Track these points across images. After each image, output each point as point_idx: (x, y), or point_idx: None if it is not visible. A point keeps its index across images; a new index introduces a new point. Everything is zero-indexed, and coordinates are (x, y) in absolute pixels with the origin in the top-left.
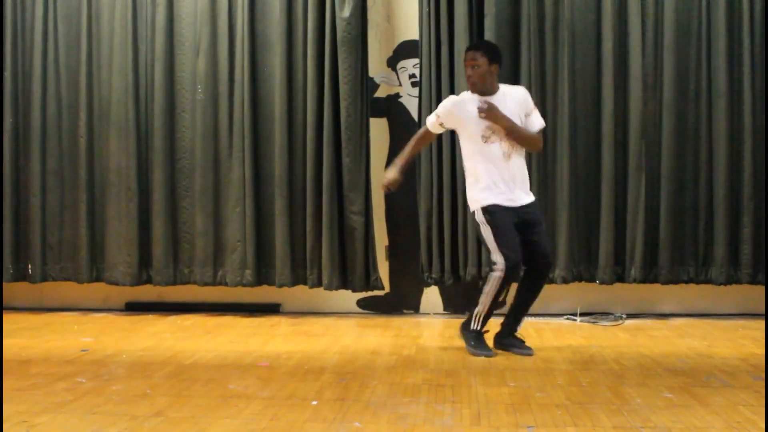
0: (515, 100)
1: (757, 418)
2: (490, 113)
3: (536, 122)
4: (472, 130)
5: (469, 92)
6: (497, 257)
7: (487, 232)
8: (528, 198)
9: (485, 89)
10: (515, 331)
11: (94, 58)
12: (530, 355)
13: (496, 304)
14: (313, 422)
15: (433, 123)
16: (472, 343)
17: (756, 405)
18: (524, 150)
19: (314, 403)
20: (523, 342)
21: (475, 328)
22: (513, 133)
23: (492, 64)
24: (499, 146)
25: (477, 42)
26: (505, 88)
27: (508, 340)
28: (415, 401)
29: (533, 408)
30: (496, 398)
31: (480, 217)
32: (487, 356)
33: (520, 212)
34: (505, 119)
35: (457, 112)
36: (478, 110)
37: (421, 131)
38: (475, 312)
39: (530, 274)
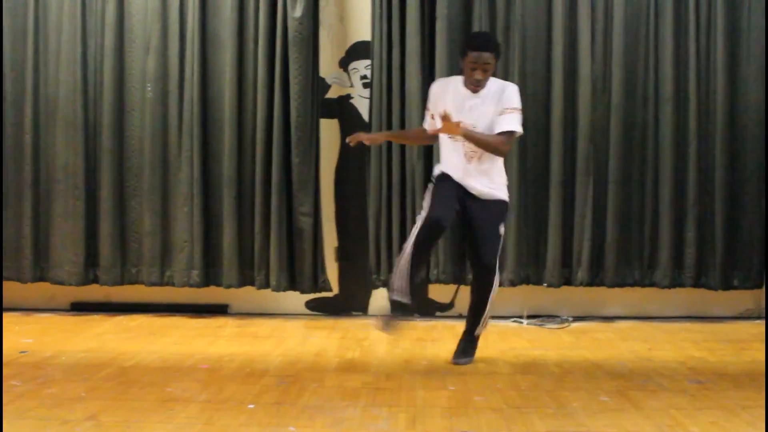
0: (495, 99)
1: (688, 422)
2: (446, 128)
3: (503, 124)
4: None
5: (459, 78)
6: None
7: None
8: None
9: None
10: (472, 332)
11: (41, 52)
12: (459, 364)
13: (414, 259)
14: (247, 426)
15: (428, 120)
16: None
17: (688, 408)
18: (489, 157)
19: (251, 406)
20: (471, 350)
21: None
22: (469, 140)
23: (497, 60)
24: (462, 146)
25: (483, 40)
26: (491, 84)
27: (464, 338)
28: (352, 405)
29: (469, 412)
30: (434, 402)
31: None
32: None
33: (471, 197)
34: (460, 130)
35: (437, 89)
36: (441, 117)
37: (416, 128)
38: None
39: (473, 275)
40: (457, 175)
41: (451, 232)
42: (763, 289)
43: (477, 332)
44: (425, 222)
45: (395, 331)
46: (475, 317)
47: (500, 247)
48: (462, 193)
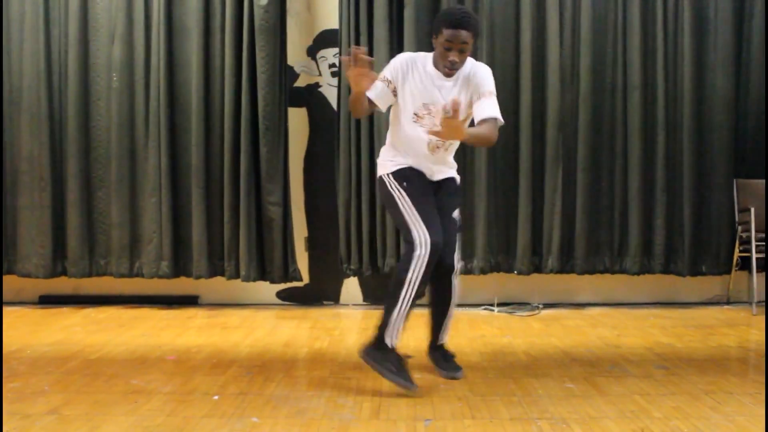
0: (466, 81)
1: (652, 407)
2: (448, 133)
3: (487, 110)
4: (407, 100)
5: (428, 56)
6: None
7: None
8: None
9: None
10: (437, 342)
11: (4, 41)
12: (456, 378)
13: (417, 297)
14: (210, 418)
15: (378, 90)
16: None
17: (652, 394)
18: (455, 147)
19: (215, 398)
20: (452, 358)
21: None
22: (469, 142)
23: (475, 41)
24: (427, 134)
25: (460, 15)
26: (464, 68)
27: (435, 354)
28: (317, 395)
29: (434, 401)
30: (400, 391)
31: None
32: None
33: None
34: (465, 135)
35: (403, 63)
36: (444, 113)
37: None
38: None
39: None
40: (419, 165)
41: (391, 223)
42: (731, 275)
43: (442, 341)
44: (431, 249)
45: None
46: (436, 326)
47: (459, 239)
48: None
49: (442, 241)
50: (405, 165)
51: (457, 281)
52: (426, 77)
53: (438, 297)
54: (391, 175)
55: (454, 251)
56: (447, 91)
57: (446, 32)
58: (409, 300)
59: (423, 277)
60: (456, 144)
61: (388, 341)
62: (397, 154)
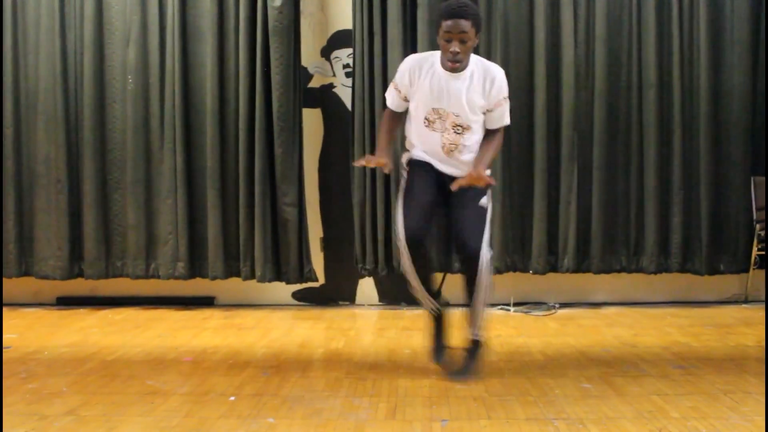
0: (481, 85)
1: (669, 407)
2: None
3: (499, 119)
4: (418, 106)
5: (436, 56)
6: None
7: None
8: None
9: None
10: (471, 335)
11: (20, 45)
12: (457, 382)
13: (425, 288)
14: (227, 418)
15: (393, 98)
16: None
17: (670, 394)
18: (477, 139)
19: (232, 398)
20: (472, 362)
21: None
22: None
23: (477, 35)
24: (440, 137)
25: (459, 6)
26: (474, 65)
27: (468, 348)
28: (333, 395)
29: (450, 401)
30: (416, 391)
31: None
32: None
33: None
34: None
35: (412, 66)
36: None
37: (386, 112)
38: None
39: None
40: (434, 161)
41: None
42: (750, 273)
43: (474, 335)
44: (406, 243)
45: (445, 356)
46: (468, 319)
47: (487, 226)
48: (438, 176)
49: (417, 228)
50: (419, 157)
51: (486, 274)
52: (435, 78)
53: (464, 286)
54: (404, 165)
55: (470, 239)
56: (461, 93)
57: (445, 24)
58: (417, 283)
59: (411, 261)
60: (472, 145)
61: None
62: (414, 146)
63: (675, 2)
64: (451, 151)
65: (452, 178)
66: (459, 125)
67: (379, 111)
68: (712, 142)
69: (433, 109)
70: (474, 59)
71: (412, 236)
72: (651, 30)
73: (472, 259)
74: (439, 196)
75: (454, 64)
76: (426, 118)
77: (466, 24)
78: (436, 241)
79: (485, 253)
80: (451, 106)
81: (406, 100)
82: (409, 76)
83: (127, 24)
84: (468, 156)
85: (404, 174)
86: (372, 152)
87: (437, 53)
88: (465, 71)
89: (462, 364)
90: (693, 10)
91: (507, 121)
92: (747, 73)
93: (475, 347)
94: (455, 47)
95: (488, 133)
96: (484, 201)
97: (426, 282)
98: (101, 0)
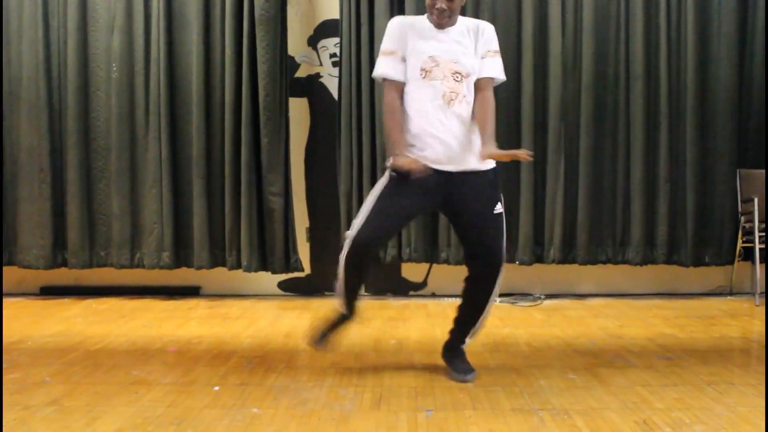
0: (471, 38)
1: (653, 398)
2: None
3: (491, 69)
4: (412, 60)
5: (422, 17)
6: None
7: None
8: (474, 163)
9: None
10: (462, 343)
11: (3, 32)
12: (468, 381)
13: (348, 289)
14: (211, 408)
15: (390, 64)
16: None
17: (654, 385)
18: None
19: (216, 388)
20: (466, 361)
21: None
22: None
23: None
24: (440, 85)
25: None
26: (462, 23)
27: (450, 354)
28: (318, 385)
29: (436, 391)
30: (401, 381)
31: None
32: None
33: (454, 183)
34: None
35: (397, 25)
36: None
37: (388, 99)
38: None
39: (472, 273)
40: (431, 140)
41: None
42: (734, 265)
43: (465, 344)
44: (352, 244)
45: (327, 346)
46: (464, 326)
47: (504, 232)
48: (435, 181)
49: (373, 238)
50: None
51: (499, 281)
52: (424, 31)
53: (473, 294)
54: (390, 166)
55: (495, 247)
56: (451, 42)
57: None
58: (343, 284)
59: (349, 263)
60: (471, 101)
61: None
62: (409, 132)
63: None
64: (452, 100)
65: (450, 174)
66: (458, 72)
67: (366, 101)
68: (699, 134)
69: (429, 56)
70: (462, 18)
71: (364, 244)
72: (638, 22)
73: (494, 268)
74: (422, 212)
75: (441, 19)
76: (422, 68)
77: None
78: (422, 231)
79: (503, 264)
80: (446, 53)
81: (404, 60)
82: (399, 31)
83: (112, 11)
84: (464, 108)
85: (387, 176)
86: (359, 148)
87: (423, 16)
88: (454, 27)
89: (459, 366)
90: (681, 3)
91: (499, 74)
92: (734, 66)
93: (462, 353)
94: (441, 3)
95: (478, 90)
96: (499, 208)
97: (354, 288)
98: None
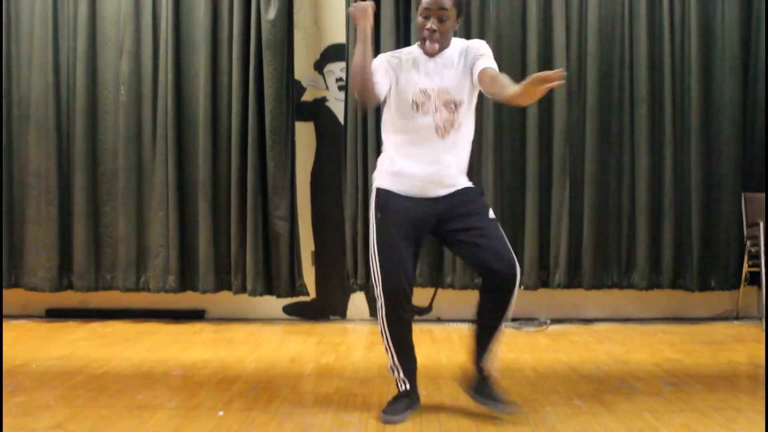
0: (462, 56)
1: (660, 425)
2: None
3: (483, 63)
4: (404, 90)
5: (410, 48)
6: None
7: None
8: (459, 182)
9: (442, 49)
10: (483, 369)
11: (13, 56)
12: (511, 412)
13: (400, 353)
14: None
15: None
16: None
17: (660, 411)
18: (471, 128)
19: (221, 413)
20: (495, 389)
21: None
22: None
23: (458, 19)
24: (432, 120)
25: None
26: (454, 47)
27: (478, 388)
28: (323, 411)
29: (441, 418)
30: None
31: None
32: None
33: (443, 203)
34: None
35: (395, 57)
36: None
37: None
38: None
39: (487, 289)
40: (420, 169)
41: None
42: (740, 289)
43: (486, 366)
44: (384, 297)
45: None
46: (482, 345)
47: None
48: (425, 209)
49: (402, 285)
50: (395, 183)
51: (515, 293)
52: (413, 62)
53: (486, 311)
54: (375, 194)
55: (508, 257)
56: (439, 72)
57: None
58: (391, 349)
59: (389, 324)
60: (468, 125)
61: (399, 387)
62: (393, 161)
63: (666, 18)
64: (447, 130)
65: (437, 200)
66: (451, 101)
67: (372, 125)
68: (703, 158)
69: (420, 90)
70: (456, 41)
71: (396, 291)
72: (642, 45)
73: (512, 278)
74: (421, 239)
75: (431, 43)
76: (414, 101)
77: (446, 1)
78: (427, 255)
79: (518, 272)
80: (438, 83)
81: (383, 80)
82: (391, 64)
83: (121, 35)
84: (459, 137)
85: (374, 217)
86: (364, 172)
87: (411, 46)
88: (445, 52)
89: (491, 394)
90: (684, 26)
91: (495, 66)
92: (737, 89)
93: (490, 380)
94: (433, 24)
95: (485, 78)
96: (492, 214)
97: (406, 351)
98: (95, 11)
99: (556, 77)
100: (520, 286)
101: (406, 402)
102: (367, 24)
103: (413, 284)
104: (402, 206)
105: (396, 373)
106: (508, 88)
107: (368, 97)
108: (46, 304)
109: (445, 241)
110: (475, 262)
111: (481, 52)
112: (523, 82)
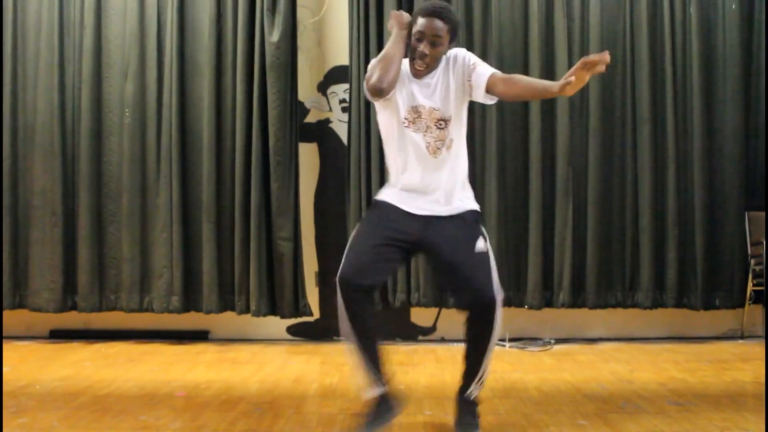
0: (451, 69)
1: None
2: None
3: (483, 73)
4: (398, 106)
5: (406, 63)
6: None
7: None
8: (451, 208)
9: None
10: (465, 391)
11: (19, 78)
12: None
13: (363, 348)
14: None
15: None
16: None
17: (665, 431)
18: (462, 144)
19: None
20: (475, 417)
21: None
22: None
23: (451, 43)
24: (422, 138)
25: (439, 7)
26: (443, 62)
27: (460, 404)
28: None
29: None
30: (410, 428)
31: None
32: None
33: (428, 226)
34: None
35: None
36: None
37: None
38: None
39: (467, 317)
40: (413, 185)
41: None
42: (745, 308)
43: (470, 393)
44: (338, 284)
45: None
46: (468, 372)
47: (493, 268)
48: (408, 221)
49: (353, 275)
50: (387, 199)
51: (499, 321)
52: (408, 82)
53: (469, 337)
54: (372, 202)
55: (482, 288)
56: (428, 88)
57: (419, 21)
58: (354, 343)
59: (347, 312)
60: (460, 146)
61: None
62: (389, 183)
63: (668, 38)
64: (438, 148)
65: (429, 219)
66: (441, 119)
67: (374, 146)
68: (706, 177)
69: (411, 107)
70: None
71: (347, 279)
72: (644, 66)
73: (487, 309)
74: (400, 249)
75: (422, 66)
76: (405, 118)
77: (441, 26)
78: (430, 275)
79: (499, 299)
80: (428, 100)
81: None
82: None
83: (126, 58)
84: (452, 156)
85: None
86: (368, 193)
87: (405, 61)
88: (431, 74)
89: (464, 420)
90: (686, 46)
91: (492, 70)
92: (740, 108)
93: (472, 407)
94: (425, 48)
95: (497, 84)
96: (481, 245)
97: (368, 346)
98: (100, 34)
99: (604, 60)
100: (523, 306)
101: (385, 406)
102: (404, 32)
103: (374, 283)
104: (391, 214)
105: (365, 374)
106: (538, 83)
107: (389, 83)
108: (50, 324)
109: (427, 262)
110: (451, 289)
111: (473, 62)
112: (571, 70)
